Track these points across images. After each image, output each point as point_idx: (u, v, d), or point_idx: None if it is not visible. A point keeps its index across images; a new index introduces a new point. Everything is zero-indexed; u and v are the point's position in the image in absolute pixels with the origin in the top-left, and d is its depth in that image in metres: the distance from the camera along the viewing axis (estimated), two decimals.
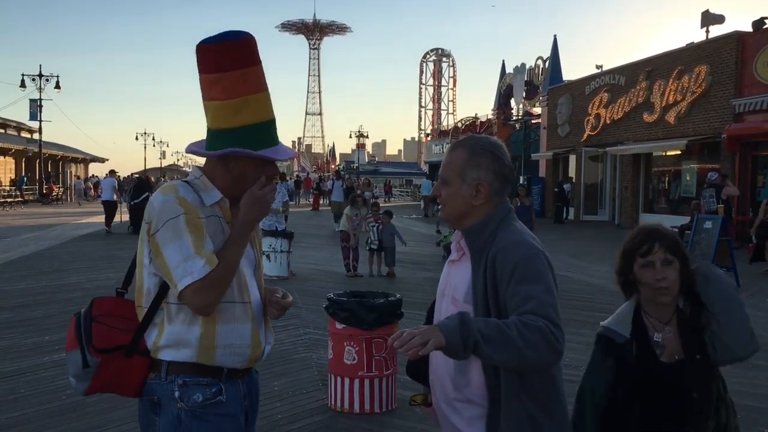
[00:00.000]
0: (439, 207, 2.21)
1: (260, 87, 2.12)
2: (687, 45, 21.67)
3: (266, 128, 2.14)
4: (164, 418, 2.09)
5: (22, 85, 37.38)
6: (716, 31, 21.47)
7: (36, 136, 41.95)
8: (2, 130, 46.90)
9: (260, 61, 2.13)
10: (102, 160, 63.03)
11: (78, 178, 49.29)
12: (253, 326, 2.16)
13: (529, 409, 1.95)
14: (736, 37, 18.75)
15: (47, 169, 45.82)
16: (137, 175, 33.79)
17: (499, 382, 1.98)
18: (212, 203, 2.11)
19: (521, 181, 27.54)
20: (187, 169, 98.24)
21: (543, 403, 1.98)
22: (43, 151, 41.42)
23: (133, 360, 2.10)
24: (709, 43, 20.37)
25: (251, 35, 2.10)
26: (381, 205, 17.29)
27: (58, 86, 38.35)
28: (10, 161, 42.98)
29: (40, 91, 38.56)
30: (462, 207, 2.09)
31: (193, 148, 2.21)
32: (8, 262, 13.27)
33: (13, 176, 41.66)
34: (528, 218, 12.62)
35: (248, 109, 2.09)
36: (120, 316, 2.14)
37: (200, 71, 2.11)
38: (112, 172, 22.41)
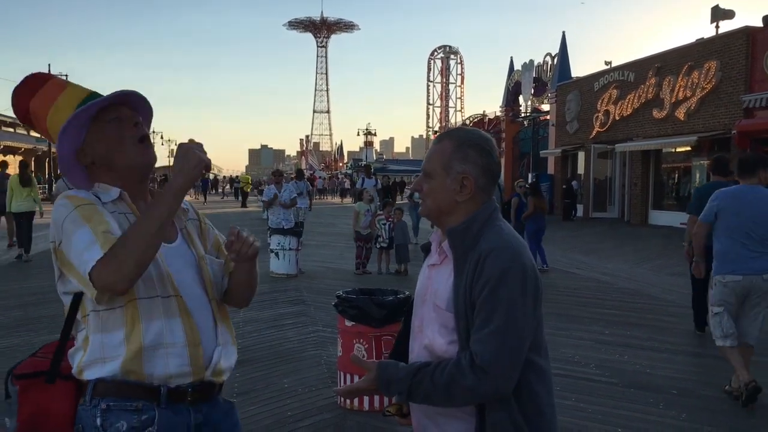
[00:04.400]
0: (419, 202, 2.07)
1: (63, 84, 2.08)
2: (697, 40, 21.52)
3: (92, 98, 2.00)
4: None
5: None
6: (726, 26, 21.36)
7: None
8: (11, 129, 47.17)
9: (54, 77, 2.14)
10: None
11: None
12: (186, 321, 1.91)
13: (516, 422, 1.84)
14: (747, 32, 18.61)
15: (56, 169, 46.03)
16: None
17: None
18: (112, 200, 1.96)
19: (530, 179, 27.46)
20: None
21: (529, 416, 1.86)
22: (52, 150, 41.61)
23: (56, 386, 1.90)
24: (719, 38, 20.23)
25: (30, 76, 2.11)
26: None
27: None
28: (19, 160, 43.24)
29: None
30: (444, 202, 1.95)
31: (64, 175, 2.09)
32: (18, 260, 13.32)
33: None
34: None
35: (69, 99, 2.02)
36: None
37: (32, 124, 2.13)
38: None
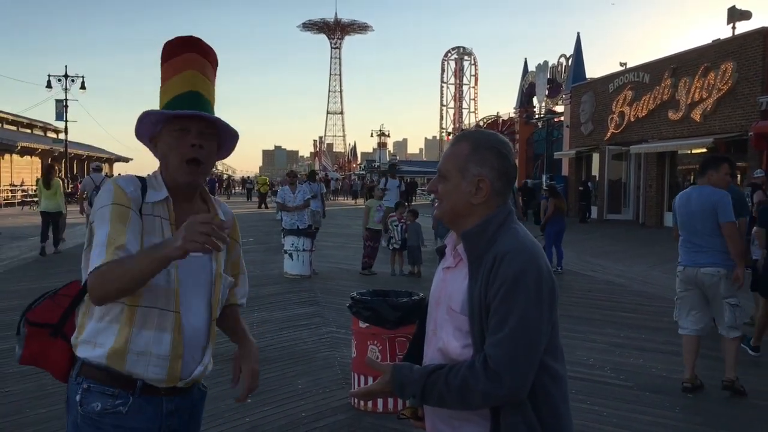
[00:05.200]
0: (436, 204, 2.05)
1: (188, 67, 2.09)
2: (713, 41, 21.37)
3: (186, 97, 2.05)
4: (69, 419, 2.07)
5: (48, 85, 37.78)
6: (743, 27, 21.20)
7: (62, 136, 42.46)
8: (29, 130, 47.60)
9: (196, 49, 2.11)
10: (126, 160, 63.63)
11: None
12: (175, 337, 2.01)
13: (531, 425, 1.83)
14: (764, 33, 18.45)
15: (73, 169, 46.37)
16: None
17: None
18: (155, 201, 2.04)
19: (544, 180, 27.36)
20: None
21: (544, 420, 1.85)
22: (69, 150, 41.91)
23: (56, 341, 2.10)
24: (735, 39, 20.08)
25: (192, 36, 2.13)
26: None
27: (83, 86, 38.72)
28: (36, 161, 43.58)
29: (66, 92, 39.01)
30: (459, 205, 1.93)
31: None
32: (36, 260, 13.45)
33: (39, 176, 42.24)
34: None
35: (173, 87, 2.08)
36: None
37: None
38: None
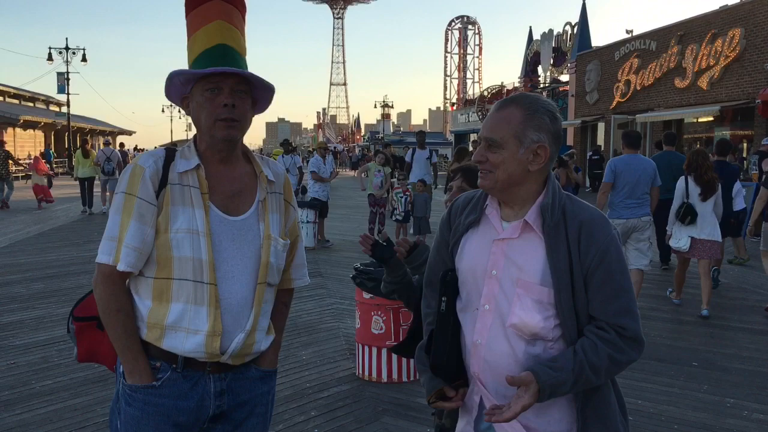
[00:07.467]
0: (481, 174, 1.89)
1: (214, 17, 1.97)
2: (721, 8, 21.04)
3: (215, 52, 1.94)
4: (115, 391, 2.06)
5: (50, 58, 37.58)
6: None
7: (64, 109, 42.32)
8: (31, 104, 47.46)
9: (207, 3, 1.99)
10: (129, 133, 63.51)
11: (137, 150, 48.36)
12: (212, 311, 1.92)
13: (612, 383, 1.92)
14: None
15: (76, 143, 46.27)
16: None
17: None
18: (183, 171, 1.95)
19: None
20: None
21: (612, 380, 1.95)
22: (72, 124, 41.80)
23: (104, 332, 2.02)
24: (743, 5, 19.76)
25: None
26: None
27: (84, 59, 38.53)
28: (39, 134, 43.52)
29: (68, 64, 38.80)
30: (517, 174, 1.83)
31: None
32: (40, 233, 13.48)
33: (42, 149, 42.22)
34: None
35: (200, 40, 1.97)
36: None
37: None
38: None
